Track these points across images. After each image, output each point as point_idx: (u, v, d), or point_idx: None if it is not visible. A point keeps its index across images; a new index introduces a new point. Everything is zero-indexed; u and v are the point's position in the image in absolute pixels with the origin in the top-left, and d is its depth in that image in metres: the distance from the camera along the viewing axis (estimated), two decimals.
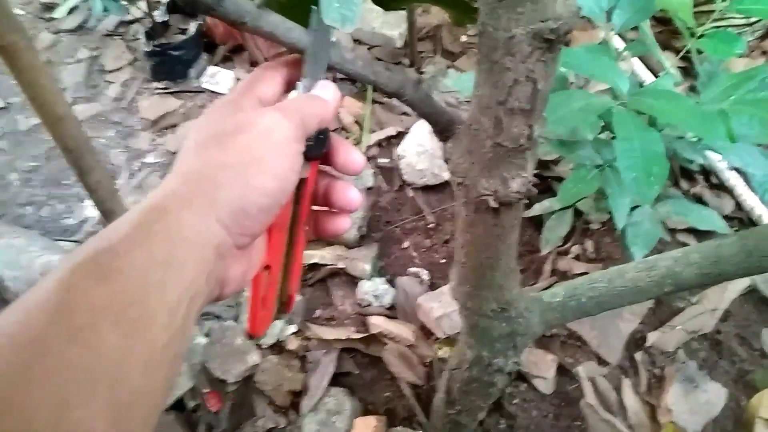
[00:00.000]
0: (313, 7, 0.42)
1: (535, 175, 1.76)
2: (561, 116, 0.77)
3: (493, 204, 0.60)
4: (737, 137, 1.02)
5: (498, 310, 0.75)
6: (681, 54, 0.96)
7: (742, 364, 1.32)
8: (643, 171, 0.73)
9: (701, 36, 0.92)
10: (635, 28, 1.13)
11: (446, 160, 0.63)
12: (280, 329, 1.37)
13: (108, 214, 1.58)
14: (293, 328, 1.39)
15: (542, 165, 1.56)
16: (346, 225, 0.46)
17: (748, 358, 1.33)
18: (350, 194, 0.45)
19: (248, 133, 0.35)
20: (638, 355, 1.31)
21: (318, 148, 0.41)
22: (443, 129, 0.61)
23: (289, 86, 0.43)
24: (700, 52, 0.92)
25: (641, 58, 1.68)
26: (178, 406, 1.26)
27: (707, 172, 1.59)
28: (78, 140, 1.33)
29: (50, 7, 2.48)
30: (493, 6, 0.45)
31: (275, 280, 0.42)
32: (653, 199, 0.72)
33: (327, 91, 0.42)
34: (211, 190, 0.34)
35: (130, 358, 0.28)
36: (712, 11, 0.94)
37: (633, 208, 1.12)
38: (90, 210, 1.75)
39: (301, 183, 0.41)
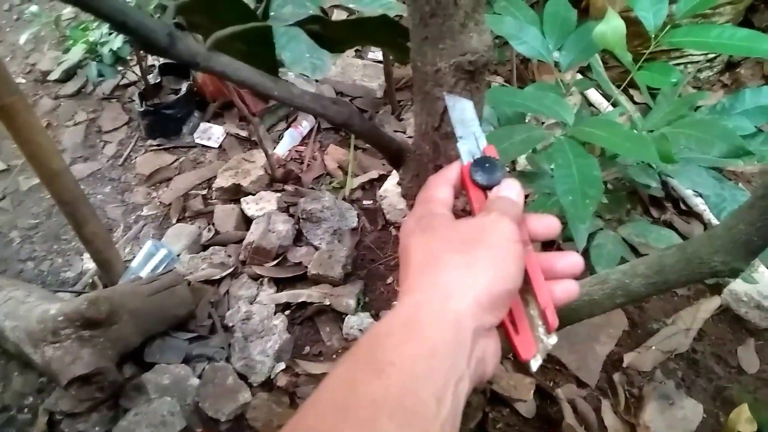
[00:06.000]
0: (446, 94, 0.53)
1: None
2: (505, 148, 0.85)
3: None
4: (686, 160, 1.10)
5: None
6: (623, 85, 1.05)
7: (720, 382, 1.35)
8: (580, 194, 0.79)
9: (640, 68, 1.01)
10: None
11: (399, 184, 0.70)
12: (270, 367, 1.42)
13: (104, 264, 1.65)
14: (282, 366, 1.43)
15: None
16: (575, 288, 0.47)
17: (726, 376, 1.36)
18: (570, 259, 0.48)
19: (490, 236, 0.42)
20: (616, 376, 1.34)
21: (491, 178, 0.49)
22: (394, 157, 0.69)
23: (455, 188, 0.52)
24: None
25: (603, 94, 1.78)
26: None
27: (676, 200, 1.66)
28: (73, 193, 1.42)
29: (50, 74, 2.62)
30: (420, 44, 0.53)
31: (518, 307, 0.45)
32: (588, 218, 0.78)
33: (513, 190, 0.47)
34: (471, 282, 0.39)
35: None
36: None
37: (596, 232, 1.18)
38: (88, 262, 1.82)
39: None
